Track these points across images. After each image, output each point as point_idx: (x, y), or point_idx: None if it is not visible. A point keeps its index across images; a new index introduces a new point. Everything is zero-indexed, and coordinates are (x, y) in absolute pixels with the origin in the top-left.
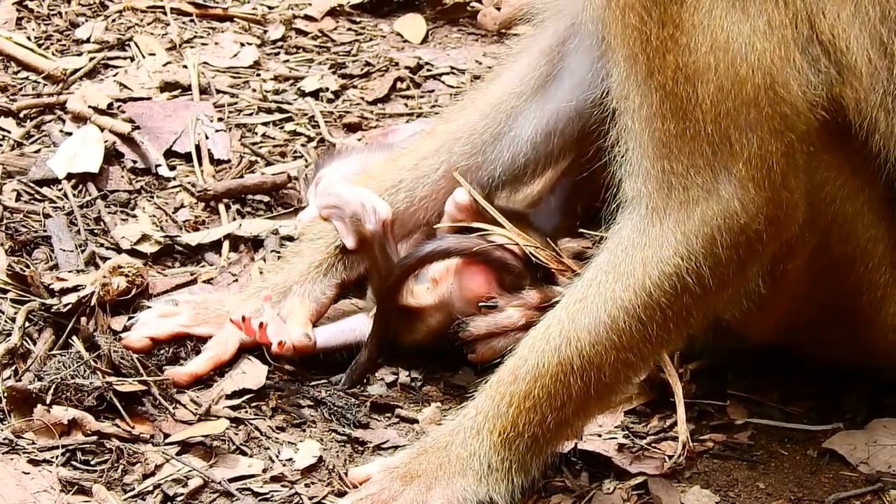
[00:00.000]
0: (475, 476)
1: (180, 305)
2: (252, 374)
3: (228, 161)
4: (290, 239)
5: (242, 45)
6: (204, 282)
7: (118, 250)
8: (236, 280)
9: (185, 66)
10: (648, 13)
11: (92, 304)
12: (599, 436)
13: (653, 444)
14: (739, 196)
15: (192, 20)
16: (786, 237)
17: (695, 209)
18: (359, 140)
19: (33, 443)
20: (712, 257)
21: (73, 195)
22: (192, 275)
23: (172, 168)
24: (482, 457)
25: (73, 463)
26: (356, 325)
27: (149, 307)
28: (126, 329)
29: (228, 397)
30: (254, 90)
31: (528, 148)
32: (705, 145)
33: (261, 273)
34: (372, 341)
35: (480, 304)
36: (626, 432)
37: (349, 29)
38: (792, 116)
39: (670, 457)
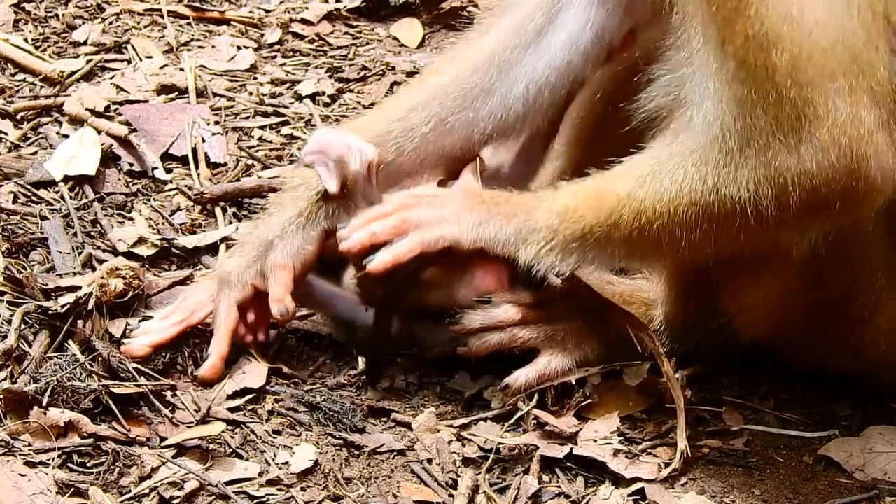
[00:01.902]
0: (517, 225)
1: (174, 304)
2: (253, 374)
3: (225, 164)
4: None
5: (239, 48)
6: None
7: (115, 253)
8: None
9: (181, 69)
10: None
11: (89, 306)
12: (595, 441)
13: (648, 450)
14: (818, 159)
15: (188, 23)
16: (858, 215)
17: (773, 161)
18: None
19: (29, 445)
20: (779, 203)
21: (70, 197)
22: (183, 281)
23: (169, 171)
24: (540, 212)
25: (70, 465)
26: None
27: (150, 317)
28: (124, 335)
29: (229, 398)
30: (250, 93)
31: (520, 104)
32: (788, 109)
33: None
34: (378, 336)
35: (475, 298)
36: (622, 438)
37: (346, 33)
38: (880, 94)
39: (667, 463)
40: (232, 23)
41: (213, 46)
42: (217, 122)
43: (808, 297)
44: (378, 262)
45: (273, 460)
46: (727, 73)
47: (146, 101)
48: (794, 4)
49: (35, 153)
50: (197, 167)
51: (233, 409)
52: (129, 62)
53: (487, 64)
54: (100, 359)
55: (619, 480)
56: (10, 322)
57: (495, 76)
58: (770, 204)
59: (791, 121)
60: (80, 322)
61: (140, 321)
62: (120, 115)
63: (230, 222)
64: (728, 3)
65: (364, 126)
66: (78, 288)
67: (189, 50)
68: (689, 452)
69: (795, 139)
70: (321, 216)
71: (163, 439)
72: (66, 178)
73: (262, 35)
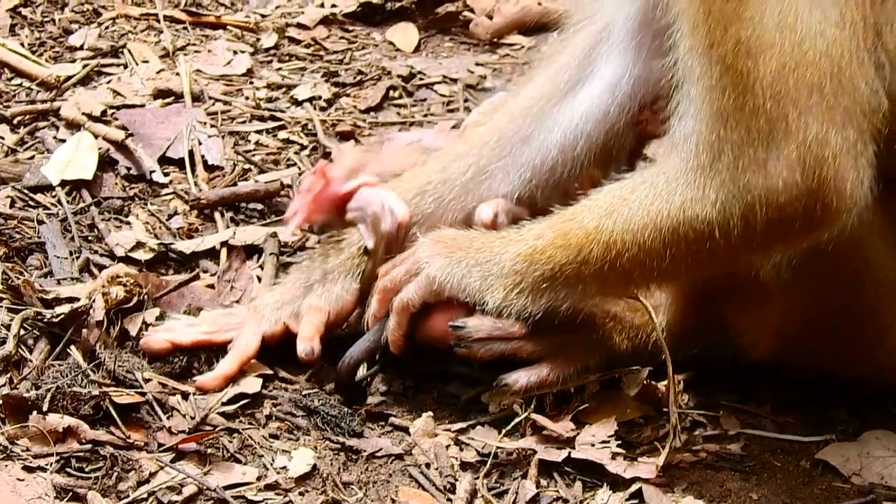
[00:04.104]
0: (483, 272)
1: (203, 316)
2: (246, 385)
3: (222, 168)
4: (286, 245)
5: (235, 52)
6: (207, 286)
7: (112, 257)
8: (234, 287)
9: (178, 74)
10: None
11: (92, 314)
12: (593, 445)
13: (647, 454)
14: (784, 177)
15: (185, 28)
16: (819, 237)
17: (741, 177)
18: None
19: (28, 449)
20: (746, 223)
21: (68, 202)
22: (188, 282)
23: (166, 174)
24: (505, 256)
25: (68, 470)
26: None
27: (177, 318)
28: (142, 330)
29: (225, 404)
30: (247, 98)
31: (556, 151)
32: (763, 121)
33: (258, 280)
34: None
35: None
36: (620, 441)
37: (342, 37)
38: (855, 113)
39: (666, 466)
40: (228, 27)
41: (209, 51)
42: (213, 127)
43: (819, 317)
44: (392, 346)
45: (271, 465)
46: (709, 80)
47: (142, 106)
48: (791, 11)
49: (32, 158)
50: (194, 171)
51: (231, 414)
52: (126, 67)
53: (525, 113)
54: (102, 366)
55: (617, 484)
56: (8, 328)
57: (532, 124)
58: (737, 224)
59: (763, 134)
60: (84, 331)
61: (158, 318)
62: (116, 119)
63: (227, 226)
64: (725, 5)
65: (407, 180)
66: (77, 299)
67: (185, 54)
68: (680, 431)
69: (765, 154)
70: (362, 268)
71: (161, 444)
72: (64, 183)
73: (259, 40)
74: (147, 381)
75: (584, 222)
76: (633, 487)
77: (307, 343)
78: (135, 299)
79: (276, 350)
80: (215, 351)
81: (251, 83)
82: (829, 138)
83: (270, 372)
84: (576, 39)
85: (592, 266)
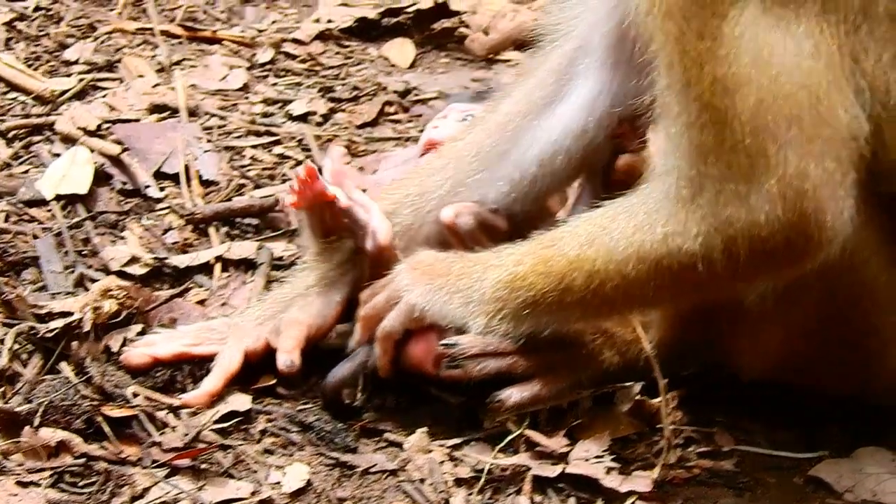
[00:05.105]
0: (463, 299)
1: (183, 329)
2: (235, 403)
3: (217, 182)
4: (281, 259)
5: (231, 67)
6: (197, 303)
7: (107, 272)
8: (225, 303)
9: (173, 89)
10: (687, 23)
11: (82, 328)
12: (586, 460)
13: (642, 468)
14: (766, 211)
15: (180, 43)
16: (802, 269)
17: (723, 212)
18: (347, 164)
19: (21, 464)
20: (728, 255)
21: (62, 216)
22: (177, 296)
23: (161, 189)
24: (486, 282)
25: (61, 485)
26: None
27: (157, 331)
28: (123, 346)
29: (217, 421)
30: (242, 113)
31: (535, 167)
32: (743, 157)
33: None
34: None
35: None
36: (614, 457)
37: (337, 53)
38: (834, 143)
39: (660, 482)
40: (224, 42)
41: (205, 66)
42: (209, 142)
43: (818, 338)
44: (381, 372)
45: (265, 480)
46: (688, 118)
47: (138, 121)
48: (765, 46)
49: (27, 172)
50: (189, 185)
51: (225, 429)
52: (121, 81)
53: (502, 128)
54: (93, 381)
55: (611, 500)
56: (2, 342)
57: (509, 140)
58: (720, 257)
59: (743, 169)
60: (74, 343)
61: (139, 334)
62: (112, 134)
63: (222, 242)
64: (699, 44)
65: (387, 190)
66: (70, 314)
67: (181, 69)
68: (674, 444)
69: (746, 189)
70: (345, 282)
71: (155, 459)
72: (58, 197)
73: (254, 55)
74: (135, 395)
75: (565, 250)
76: (630, 499)
77: (286, 355)
78: (125, 313)
79: (270, 365)
80: (198, 364)
81: (247, 98)
82: (809, 171)
83: (263, 387)
84: (552, 56)
85: (575, 294)
